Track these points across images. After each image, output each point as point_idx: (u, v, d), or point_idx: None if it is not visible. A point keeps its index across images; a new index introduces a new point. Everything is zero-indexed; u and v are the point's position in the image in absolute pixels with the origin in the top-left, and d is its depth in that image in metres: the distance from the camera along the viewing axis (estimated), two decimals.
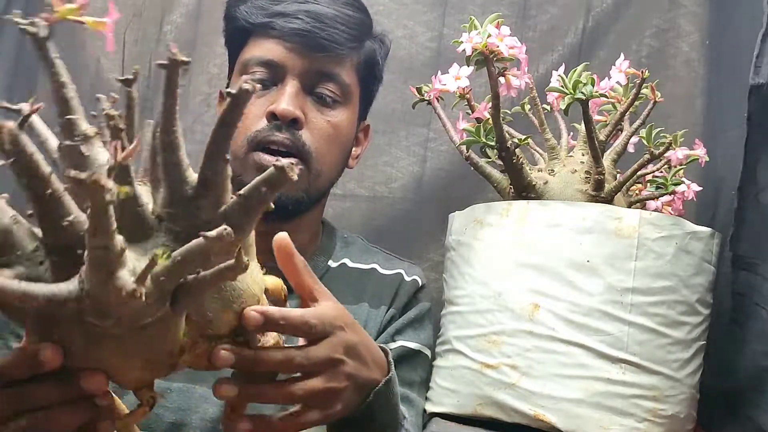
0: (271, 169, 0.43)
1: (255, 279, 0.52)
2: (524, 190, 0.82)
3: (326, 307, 0.58)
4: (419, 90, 0.88)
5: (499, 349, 0.76)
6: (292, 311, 0.54)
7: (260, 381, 0.54)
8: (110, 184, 0.36)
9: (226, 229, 0.40)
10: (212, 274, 0.43)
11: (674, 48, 1.18)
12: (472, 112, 0.85)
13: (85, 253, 0.39)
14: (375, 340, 0.86)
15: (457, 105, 0.85)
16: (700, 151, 0.85)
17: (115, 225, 0.38)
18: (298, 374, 0.56)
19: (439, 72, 0.85)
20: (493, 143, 0.81)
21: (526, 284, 0.76)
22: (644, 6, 1.19)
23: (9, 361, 0.46)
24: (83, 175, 0.35)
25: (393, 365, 0.66)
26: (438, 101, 0.87)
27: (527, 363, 0.74)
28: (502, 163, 0.82)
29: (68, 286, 0.40)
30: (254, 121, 0.84)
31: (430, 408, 0.84)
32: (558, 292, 0.74)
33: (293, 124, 0.84)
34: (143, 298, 0.40)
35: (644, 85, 0.78)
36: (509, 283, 0.77)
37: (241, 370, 0.53)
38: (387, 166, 1.21)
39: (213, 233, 0.40)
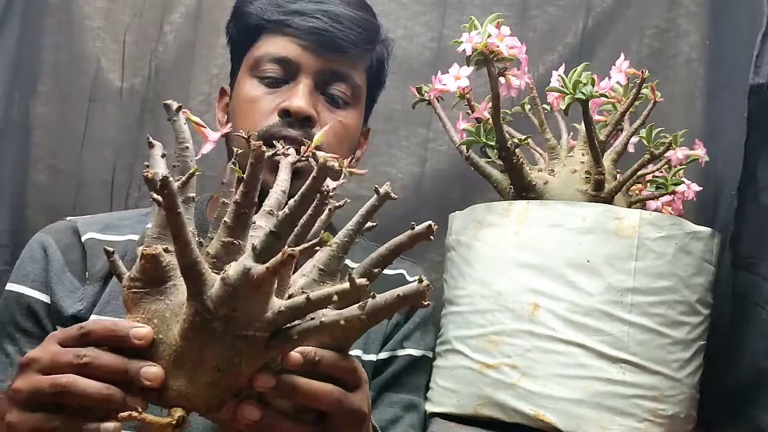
0: (416, 284, 0.44)
1: None
2: (524, 190, 0.82)
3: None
4: (419, 90, 0.88)
5: (499, 349, 0.76)
6: (331, 352, 0.51)
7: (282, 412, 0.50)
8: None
9: (365, 281, 0.43)
10: (332, 321, 0.46)
11: (674, 48, 1.18)
12: (472, 112, 0.85)
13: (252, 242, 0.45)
14: (381, 347, 0.86)
15: (457, 105, 0.85)
16: (700, 151, 0.85)
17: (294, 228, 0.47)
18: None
19: (439, 72, 0.84)
20: (493, 143, 0.81)
21: (526, 284, 0.76)
22: (644, 6, 1.19)
23: (99, 324, 0.49)
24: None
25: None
26: (438, 101, 0.87)
27: (527, 363, 0.74)
28: (502, 163, 0.82)
29: (211, 273, 0.46)
30: (265, 116, 0.83)
31: (430, 408, 0.84)
32: (558, 292, 0.74)
33: (306, 121, 0.83)
34: (291, 265, 0.44)
35: (644, 85, 0.78)
36: (509, 283, 0.77)
37: (275, 394, 0.49)
38: (387, 166, 1.20)
39: (361, 280, 0.43)
